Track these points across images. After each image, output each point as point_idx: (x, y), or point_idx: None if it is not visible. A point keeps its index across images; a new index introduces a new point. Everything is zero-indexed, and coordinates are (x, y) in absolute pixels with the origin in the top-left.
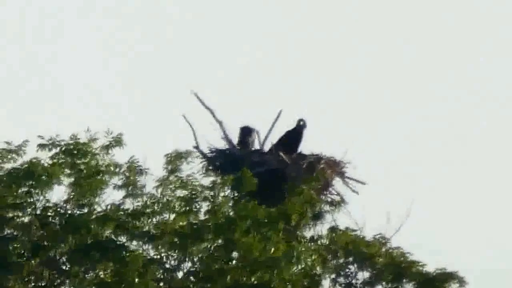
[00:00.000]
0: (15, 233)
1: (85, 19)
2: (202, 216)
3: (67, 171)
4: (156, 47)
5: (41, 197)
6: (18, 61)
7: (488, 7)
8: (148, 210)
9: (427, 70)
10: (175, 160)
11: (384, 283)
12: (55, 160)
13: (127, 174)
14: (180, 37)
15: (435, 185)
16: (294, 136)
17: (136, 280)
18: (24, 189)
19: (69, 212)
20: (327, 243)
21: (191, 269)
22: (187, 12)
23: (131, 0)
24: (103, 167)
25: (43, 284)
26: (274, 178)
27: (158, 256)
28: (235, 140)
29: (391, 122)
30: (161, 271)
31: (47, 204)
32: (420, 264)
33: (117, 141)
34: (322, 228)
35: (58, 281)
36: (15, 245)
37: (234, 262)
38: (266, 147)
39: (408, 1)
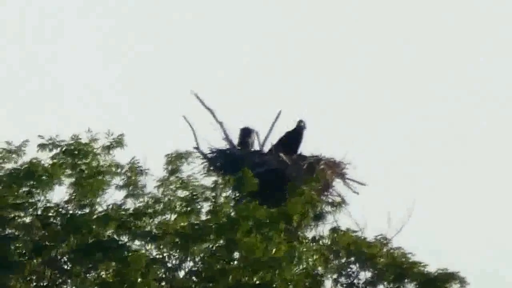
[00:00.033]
0: (16, 233)
1: (85, 19)
2: (203, 217)
3: (68, 171)
4: (156, 47)
5: (42, 197)
6: (18, 61)
7: (488, 7)
8: (149, 210)
9: (427, 70)
10: (175, 160)
11: (385, 283)
12: (55, 161)
13: (128, 174)
14: (180, 37)
15: (435, 185)
16: (294, 136)
17: (139, 280)
18: (25, 189)
19: (71, 212)
20: (329, 243)
21: (193, 269)
22: (187, 12)
23: (131, 0)
24: (104, 168)
25: (44, 284)
26: (275, 178)
27: (160, 256)
28: (235, 140)
29: (391, 122)
30: (162, 270)
31: (48, 204)
32: (422, 264)
33: (118, 142)
34: (323, 229)
35: (60, 280)
36: (17, 245)
37: (236, 262)
38: (266, 148)
39: (408, 1)
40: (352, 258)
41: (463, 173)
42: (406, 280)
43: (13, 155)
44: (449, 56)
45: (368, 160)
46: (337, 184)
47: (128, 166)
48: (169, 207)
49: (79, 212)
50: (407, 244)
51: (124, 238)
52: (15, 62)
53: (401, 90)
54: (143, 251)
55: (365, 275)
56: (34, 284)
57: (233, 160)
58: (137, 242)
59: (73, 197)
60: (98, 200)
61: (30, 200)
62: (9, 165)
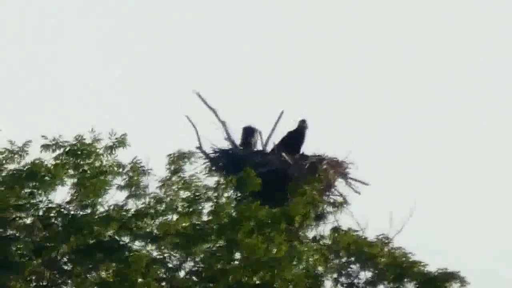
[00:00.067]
0: (17, 234)
1: (85, 19)
2: (205, 217)
3: (71, 171)
4: (156, 47)
5: (44, 198)
6: (18, 61)
7: (488, 7)
8: (151, 211)
9: (427, 70)
10: (177, 160)
11: (386, 283)
12: (58, 161)
13: (130, 174)
14: (180, 37)
15: (435, 185)
16: (296, 136)
17: (139, 280)
18: (27, 190)
19: (72, 212)
20: (330, 243)
21: (194, 269)
22: (187, 12)
23: (131, 0)
24: (106, 168)
25: (44, 284)
26: (277, 178)
27: (161, 256)
28: (237, 140)
29: (391, 122)
30: (163, 270)
31: (50, 205)
32: (422, 264)
33: (121, 142)
34: (324, 229)
35: (60, 281)
36: (18, 246)
37: (236, 262)
38: (269, 148)
39: (408, 1)
40: (353, 258)
41: (463, 173)
42: (406, 280)
43: (15, 156)
44: (449, 56)
45: (368, 160)
46: (339, 184)
47: (130, 166)
48: (171, 207)
49: (81, 213)
50: (408, 244)
51: (125, 239)
52: (15, 62)
53: (401, 90)
54: (144, 252)
55: (365, 275)
56: (34, 284)
57: (235, 160)
58: (137, 243)
59: (75, 197)
60: (99, 200)
61: (32, 201)
62: (11, 166)
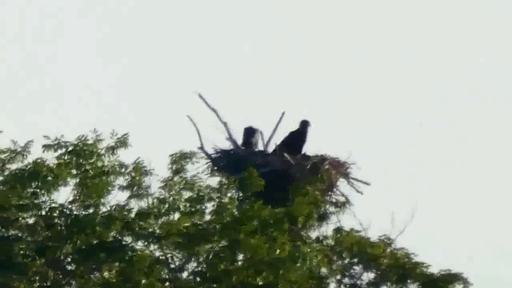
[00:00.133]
0: (19, 234)
1: (85, 19)
2: (207, 217)
3: (73, 171)
4: (156, 47)
5: (47, 198)
6: (18, 61)
7: (488, 7)
8: (155, 210)
9: (427, 70)
10: (179, 160)
11: (388, 284)
12: (61, 161)
13: (132, 174)
14: (180, 37)
15: (434, 185)
16: (297, 137)
17: (143, 281)
18: (30, 190)
19: (75, 213)
20: (333, 243)
21: (197, 270)
22: (187, 12)
23: (131, 0)
24: (108, 168)
25: (48, 285)
26: (278, 179)
27: (164, 257)
28: (239, 140)
29: (391, 122)
30: (166, 271)
31: (52, 205)
32: (425, 265)
33: (122, 142)
34: (327, 229)
35: (63, 281)
36: (20, 246)
37: (239, 263)
38: (270, 148)
39: (408, 1)
40: (356, 259)
41: (463, 173)
42: (409, 281)
43: (17, 156)
44: (449, 56)
45: (368, 160)
46: (341, 184)
47: (132, 166)
48: (173, 207)
49: (83, 213)
50: (410, 244)
51: (128, 239)
52: (15, 62)
53: (401, 90)
54: (147, 252)
55: (368, 276)
56: (38, 284)
57: (237, 160)
58: (140, 243)
59: (77, 197)
60: (102, 200)
61: (35, 201)
62: (13, 166)
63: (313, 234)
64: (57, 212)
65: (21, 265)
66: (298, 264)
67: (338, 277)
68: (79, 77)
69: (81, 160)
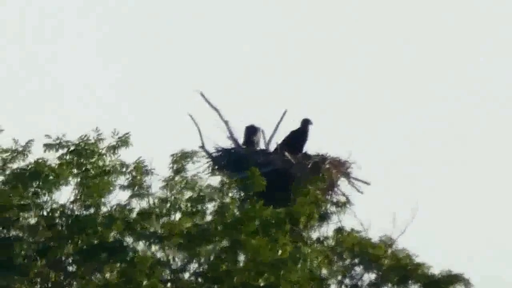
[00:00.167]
0: (20, 235)
1: (85, 19)
2: (208, 217)
3: (75, 171)
4: (156, 47)
5: (48, 198)
6: (18, 61)
7: (488, 7)
8: (156, 210)
9: (427, 70)
10: (180, 160)
11: (389, 284)
12: (62, 161)
13: (133, 174)
14: (180, 37)
15: (434, 186)
16: (298, 136)
17: (145, 282)
18: (31, 189)
19: (76, 213)
20: (333, 244)
21: (199, 270)
22: (187, 12)
23: (131, 0)
24: (109, 167)
25: (49, 286)
26: (279, 178)
27: (165, 258)
28: (240, 139)
29: (391, 122)
30: (168, 272)
31: (53, 205)
32: (426, 266)
33: (124, 141)
34: (327, 229)
35: (65, 282)
36: (22, 247)
37: (241, 263)
38: (271, 147)
39: (408, 1)
40: (357, 260)
41: (463, 173)
42: (410, 282)
43: (19, 155)
44: (449, 56)
45: (368, 160)
46: (342, 183)
47: (133, 166)
48: (175, 207)
49: (85, 213)
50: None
51: (129, 239)
52: (15, 62)
53: (401, 90)
54: (149, 253)
55: (369, 276)
56: (39, 285)
57: (238, 159)
58: (141, 244)
59: (78, 197)
60: (103, 200)
61: (36, 201)
62: (14, 165)
63: (314, 235)
64: (58, 212)
65: (22, 266)
66: (299, 265)
67: (339, 278)
68: (79, 77)
69: (82, 160)
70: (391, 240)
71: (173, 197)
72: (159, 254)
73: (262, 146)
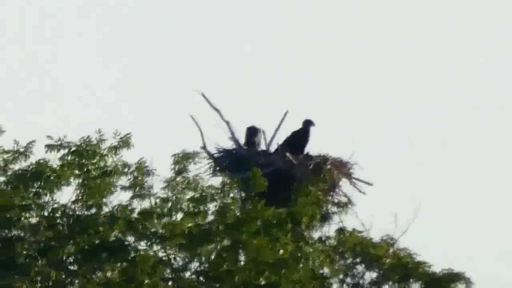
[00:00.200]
0: (22, 234)
1: (85, 19)
2: (210, 217)
3: (76, 171)
4: (156, 47)
5: (49, 198)
6: (18, 61)
7: (488, 7)
8: (158, 210)
9: (427, 70)
10: (182, 160)
11: (391, 283)
12: (64, 162)
13: (135, 174)
14: (180, 37)
15: (435, 186)
16: (300, 136)
17: (146, 281)
18: (32, 190)
19: (78, 213)
20: (335, 244)
21: (200, 269)
22: (187, 12)
23: (131, 0)
24: (111, 168)
25: (50, 285)
26: (280, 178)
27: (167, 258)
28: (241, 140)
29: (391, 122)
30: (169, 271)
31: (55, 205)
32: (427, 264)
33: (125, 142)
34: (329, 229)
35: (66, 281)
36: (23, 246)
37: (242, 263)
38: (272, 148)
39: (408, 1)
40: (358, 259)
41: (463, 173)
42: (411, 280)
43: (20, 156)
44: (449, 56)
45: (368, 160)
46: (343, 184)
47: (135, 166)
48: (177, 207)
49: (86, 213)
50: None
51: (131, 239)
52: (15, 62)
53: (401, 90)
54: (150, 252)
55: (371, 275)
56: (40, 285)
57: (239, 160)
58: (143, 243)
59: (80, 197)
60: (104, 200)
61: (37, 201)
62: (16, 166)
63: (316, 235)
64: (60, 212)
65: (24, 265)
66: (301, 264)
67: (341, 276)
68: (79, 77)
69: (83, 161)
70: (393, 240)
71: (174, 197)
72: (161, 254)
73: (263, 147)
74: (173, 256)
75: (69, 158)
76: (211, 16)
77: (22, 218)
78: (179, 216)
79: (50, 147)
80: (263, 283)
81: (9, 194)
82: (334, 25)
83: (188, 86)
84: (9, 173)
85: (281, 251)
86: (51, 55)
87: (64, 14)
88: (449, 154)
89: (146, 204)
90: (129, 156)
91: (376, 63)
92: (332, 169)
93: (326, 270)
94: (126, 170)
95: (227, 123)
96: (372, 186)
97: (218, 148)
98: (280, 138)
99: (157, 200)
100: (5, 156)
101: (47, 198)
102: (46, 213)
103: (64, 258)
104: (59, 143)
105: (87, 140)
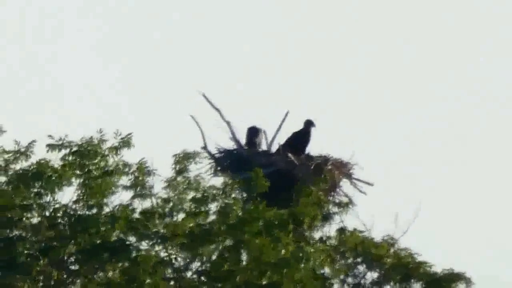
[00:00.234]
0: (23, 234)
1: (85, 19)
2: (211, 217)
3: (77, 171)
4: (156, 47)
5: (50, 198)
6: (18, 61)
7: (488, 7)
8: (159, 210)
9: (427, 70)
10: (183, 160)
11: (392, 283)
12: (65, 162)
13: (136, 174)
14: (180, 37)
15: (435, 186)
16: (301, 137)
17: (148, 280)
18: (33, 190)
19: (79, 213)
20: (336, 244)
21: (201, 269)
22: (187, 12)
23: (131, 0)
24: (112, 167)
25: (51, 284)
26: (282, 179)
27: (168, 258)
28: (242, 140)
29: (391, 122)
30: (170, 271)
31: (56, 205)
32: (428, 264)
33: (126, 142)
34: (330, 229)
35: (67, 281)
36: (24, 246)
37: (244, 263)
38: (273, 148)
39: (408, 1)
40: (359, 259)
41: (463, 173)
42: (412, 280)
43: (21, 156)
44: (449, 56)
45: (368, 160)
46: (344, 184)
47: (136, 166)
48: (178, 207)
49: (87, 213)
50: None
51: (132, 239)
52: (15, 62)
53: (401, 90)
54: (152, 252)
55: (372, 275)
56: (41, 284)
57: (240, 160)
58: (144, 243)
59: (81, 197)
60: (105, 200)
61: (39, 201)
62: (17, 166)
63: (317, 235)
64: (61, 212)
65: (25, 265)
66: (302, 264)
67: (342, 276)
68: (79, 77)
69: (85, 161)
70: (394, 240)
71: (176, 197)
72: (162, 254)
73: (264, 147)
74: (174, 256)
75: (70, 158)
76: (211, 16)
77: (24, 218)
78: (181, 216)
79: (51, 146)
80: (264, 283)
81: (10, 194)
82: (334, 25)
83: (188, 86)
84: (10, 173)
85: (283, 251)
86: (51, 55)
87: (64, 14)
88: (449, 154)
89: (147, 204)
90: (130, 156)
91: (376, 63)
92: (333, 170)
93: (327, 270)
94: (127, 170)
95: (228, 123)
96: (373, 186)
97: (219, 148)
98: (281, 139)
99: (158, 200)
100: (6, 156)
101: (48, 198)
102: (47, 213)
103: (66, 258)
104: (60, 142)
105: (88, 140)
